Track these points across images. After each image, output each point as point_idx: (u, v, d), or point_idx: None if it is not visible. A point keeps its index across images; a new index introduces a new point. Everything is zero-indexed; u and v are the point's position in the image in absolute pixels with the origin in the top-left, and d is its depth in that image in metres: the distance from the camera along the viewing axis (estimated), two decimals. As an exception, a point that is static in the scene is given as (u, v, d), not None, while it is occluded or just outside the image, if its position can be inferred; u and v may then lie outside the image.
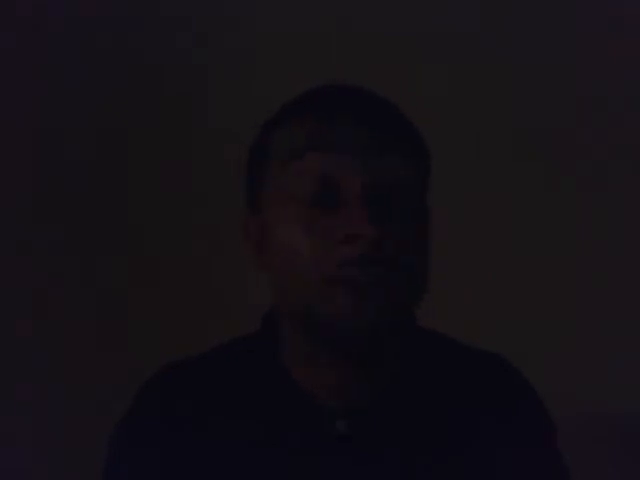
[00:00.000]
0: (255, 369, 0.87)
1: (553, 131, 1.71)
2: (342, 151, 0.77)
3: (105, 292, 1.71)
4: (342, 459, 0.82)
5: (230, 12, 1.70)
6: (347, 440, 0.83)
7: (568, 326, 1.68)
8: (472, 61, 1.69)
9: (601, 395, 1.66)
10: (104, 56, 1.69)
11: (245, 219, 0.87)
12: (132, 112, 1.70)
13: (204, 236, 1.71)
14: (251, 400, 0.86)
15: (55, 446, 1.65)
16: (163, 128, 1.71)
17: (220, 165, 1.70)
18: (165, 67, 1.71)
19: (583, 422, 1.59)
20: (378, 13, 1.68)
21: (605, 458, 1.62)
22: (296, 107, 0.84)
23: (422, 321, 0.91)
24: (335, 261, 0.76)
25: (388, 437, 0.83)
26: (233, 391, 0.87)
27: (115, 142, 1.71)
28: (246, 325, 0.93)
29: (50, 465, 1.64)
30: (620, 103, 1.70)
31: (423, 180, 0.84)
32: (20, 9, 1.66)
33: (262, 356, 0.88)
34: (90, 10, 1.68)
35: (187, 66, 1.71)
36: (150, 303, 1.70)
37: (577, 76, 1.69)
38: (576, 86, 1.69)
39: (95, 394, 1.62)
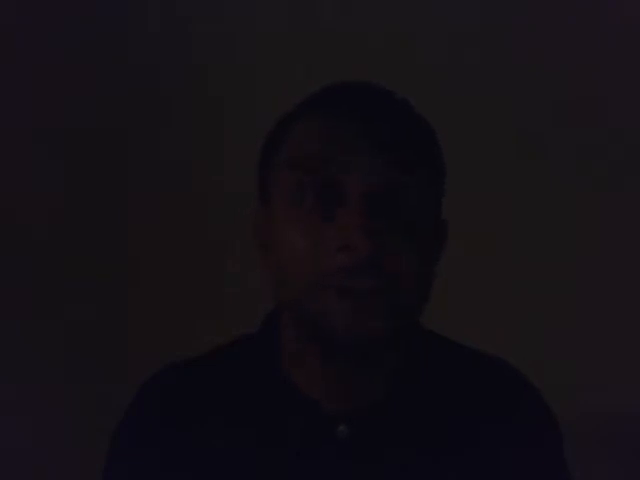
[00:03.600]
0: (254, 370, 0.87)
1: (553, 131, 1.71)
2: (348, 156, 0.76)
3: (105, 292, 1.71)
4: (343, 463, 0.82)
5: (230, 12, 1.70)
6: (348, 444, 0.82)
7: (568, 326, 1.68)
8: (472, 60, 1.69)
9: (601, 395, 1.66)
10: (104, 56, 1.69)
11: (255, 216, 0.86)
12: (132, 112, 1.70)
13: (204, 236, 1.71)
14: (250, 402, 0.85)
15: (55, 446, 1.65)
16: (163, 129, 1.72)
17: (220, 165, 1.71)
18: (165, 67, 1.71)
19: (583, 422, 1.59)
20: (378, 13, 1.68)
21: (605, 458, 1.62)
22: (309, 107, 0.83)
23: (421, 323, 0.91)
24: (330, 268, 0.75)
25: (390, 440, 0.83)
26: (233, 392, 0.86)
27: (115, 142, 1.71)
28: (247, 325, 0.93)
29: (50, 465, 1.64)
30: (621, 103, 1.70)
31: (436, 193, 0.82)
32: (20, 9, 1.66)
33: (261, 357, 0.87)
34: (90, 10, 1.68)
35: (187, 66, 1.71)
36: (150, 303, 1.71)
37: (577, 76, 1.69)
38: (577, 86, 1.69)
39: (95, 394, 1.62)
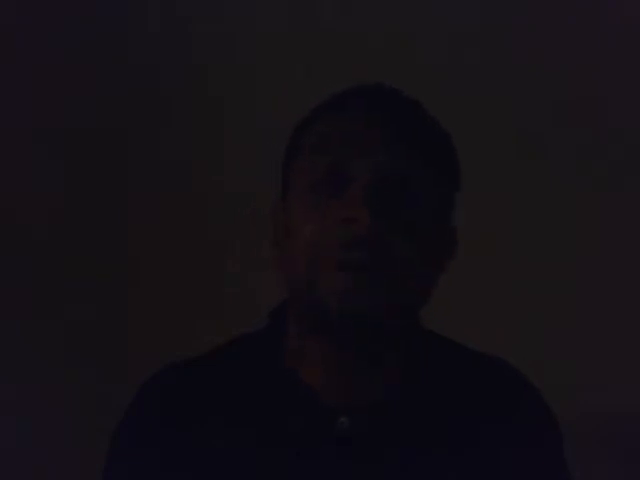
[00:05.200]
0: (257, 367, 0.87)
1: (553, 131, 1.71)
2: (359, 156, 0.80)
3: (105, 292, 1.71)
4: (344, 457, 0.82)
5: (230, 12, 1.70)
6: (349, 438, 0.82)
7: (568, 326, 1.68)
8: (472, 60, 1.69)
9: (601, 395, 1.66)
10: (104, 56, 1.69)
11: (275, 216, 0.89)
12: (132, 112, 1.70)
13: (204, 236, 1.71)
14: (251, 400, 0.86)
15: (55, 446, 1.65)
16: (163, 129, 1.71)
17: (220, 165, 1.71)
18: (165, 67, 1.71)
19: (583, 422, 1.59)
20: (378, 13, 1.68)
21: (605, 458, 1.62)
22: (324, 110, 0.87)
23: (421, 323, 0.91)
24: (331, 243, 0.79)
25: (390, 440, 0.83)
26: (233, 392, 0.87)
27: (115, 142, 1.71)
28: (246, 325, 0.93)
29: (50, 465, 1.64)
30: (621, 103, 1.70)
31: (445, 194, 0.87)
32: (20, 9, 1.66)
33: (265, 354, 0.88)
34: (90, 10, 1.68)
35: (187, 66, 1.71)
36: (150, 303, 1.70)
37: (577, 76, 1.69)
38: (577, 86, 1.69)
39: (95, 394, 1.62)
